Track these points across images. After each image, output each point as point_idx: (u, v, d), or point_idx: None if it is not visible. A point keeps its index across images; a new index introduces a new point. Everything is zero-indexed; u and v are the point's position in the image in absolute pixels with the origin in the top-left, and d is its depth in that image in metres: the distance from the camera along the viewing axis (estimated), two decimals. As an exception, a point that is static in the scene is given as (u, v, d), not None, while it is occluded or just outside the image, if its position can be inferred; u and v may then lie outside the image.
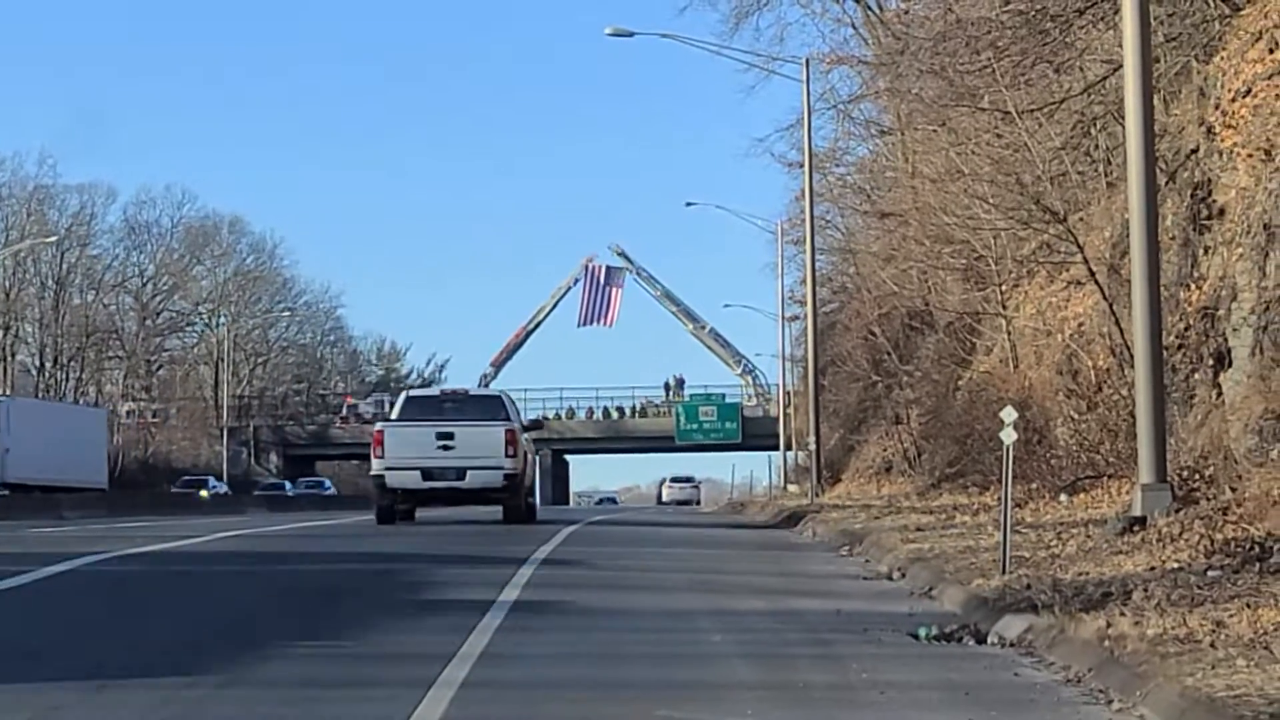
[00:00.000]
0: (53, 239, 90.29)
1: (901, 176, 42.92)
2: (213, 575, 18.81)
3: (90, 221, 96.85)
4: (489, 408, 31.38)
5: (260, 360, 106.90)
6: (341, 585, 17.08)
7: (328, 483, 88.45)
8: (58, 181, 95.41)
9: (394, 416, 31.55)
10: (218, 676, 10.61)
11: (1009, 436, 15.90)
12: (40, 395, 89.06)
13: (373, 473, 30.64)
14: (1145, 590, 12.91)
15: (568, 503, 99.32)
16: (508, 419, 30.73)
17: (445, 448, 29.80)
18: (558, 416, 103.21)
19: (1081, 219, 29.85)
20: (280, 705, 9.71)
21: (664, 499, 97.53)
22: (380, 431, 30.53)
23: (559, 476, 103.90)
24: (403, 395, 33.57)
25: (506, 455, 29.85)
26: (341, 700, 9.94)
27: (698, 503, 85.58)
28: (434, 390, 38.07)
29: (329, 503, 72.60)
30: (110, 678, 10.48)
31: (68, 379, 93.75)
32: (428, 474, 29.72)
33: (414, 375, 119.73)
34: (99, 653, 11.76)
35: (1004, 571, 15.24)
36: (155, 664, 11.14)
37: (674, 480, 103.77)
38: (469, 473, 29.73)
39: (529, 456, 31.85)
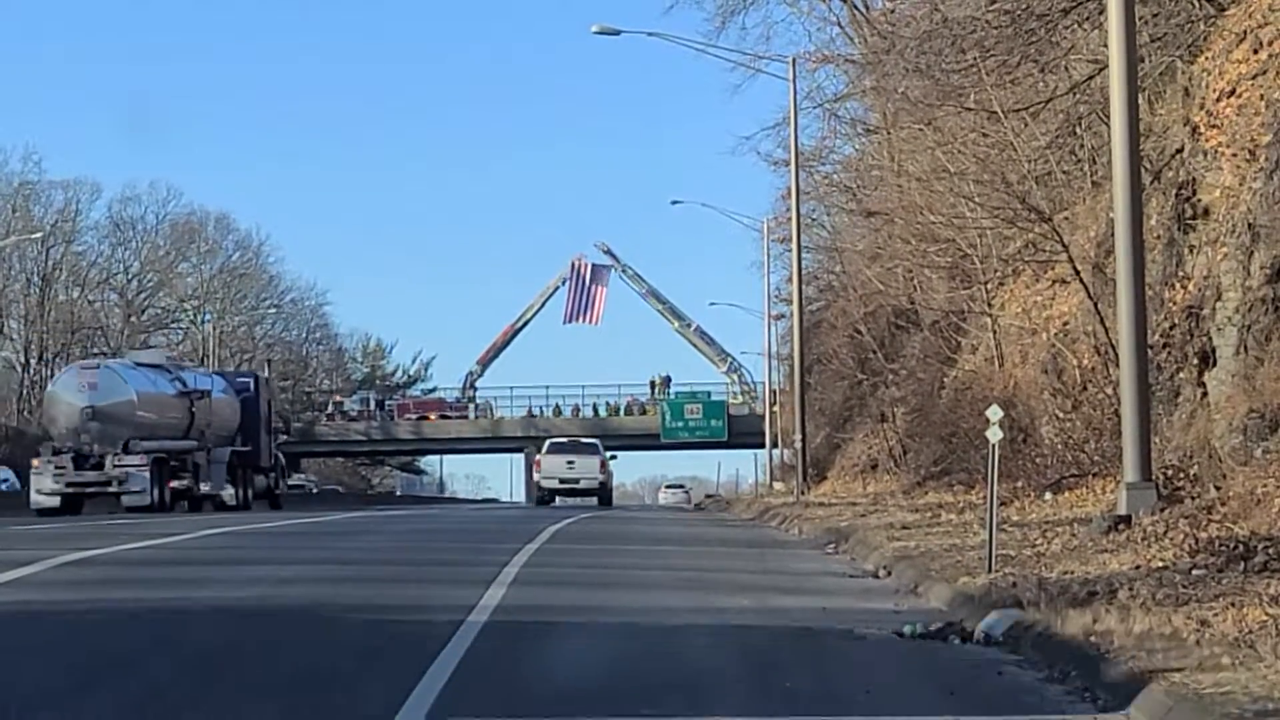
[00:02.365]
0: (38, 235, 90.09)
1: (887, 175, 42.94)
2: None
3: (75, 218, 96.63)
4: (591, 448, 59.27)
5: (246, 357, 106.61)
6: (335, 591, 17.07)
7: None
8: (43, 177, 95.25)
9: (544, 453, 58.77)
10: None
11: (994, 435, 15.93)
12: (25, 391, 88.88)
13: (536, 479, 59.25)
14: (1130, 589, 12.94)
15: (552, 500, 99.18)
16: (600, 454, 58.63)
17: (570, 468, 57.09)
18: (542, 413, 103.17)
19: (1067, 218, 29.90)
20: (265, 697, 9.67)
21: (660, 501, 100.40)
22: (539, 460, 58.85)
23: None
24: (547, 442, 61.50)
25: (600, 472, 57.57)
26: (329, 690, 9.92)
27: (690, 504, 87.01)
28: (565, 440, 63.25)
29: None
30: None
31: (52, 375, 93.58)
32: (562, 481, 57.10)
33: (399, 373, 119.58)
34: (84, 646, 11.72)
35: (989, 569, 15.26)
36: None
37: (669, 486, 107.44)
38: (581, 480, 57.19)
39: (610, 472, 59.43)
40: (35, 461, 43.55)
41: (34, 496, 42.42)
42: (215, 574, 17.74)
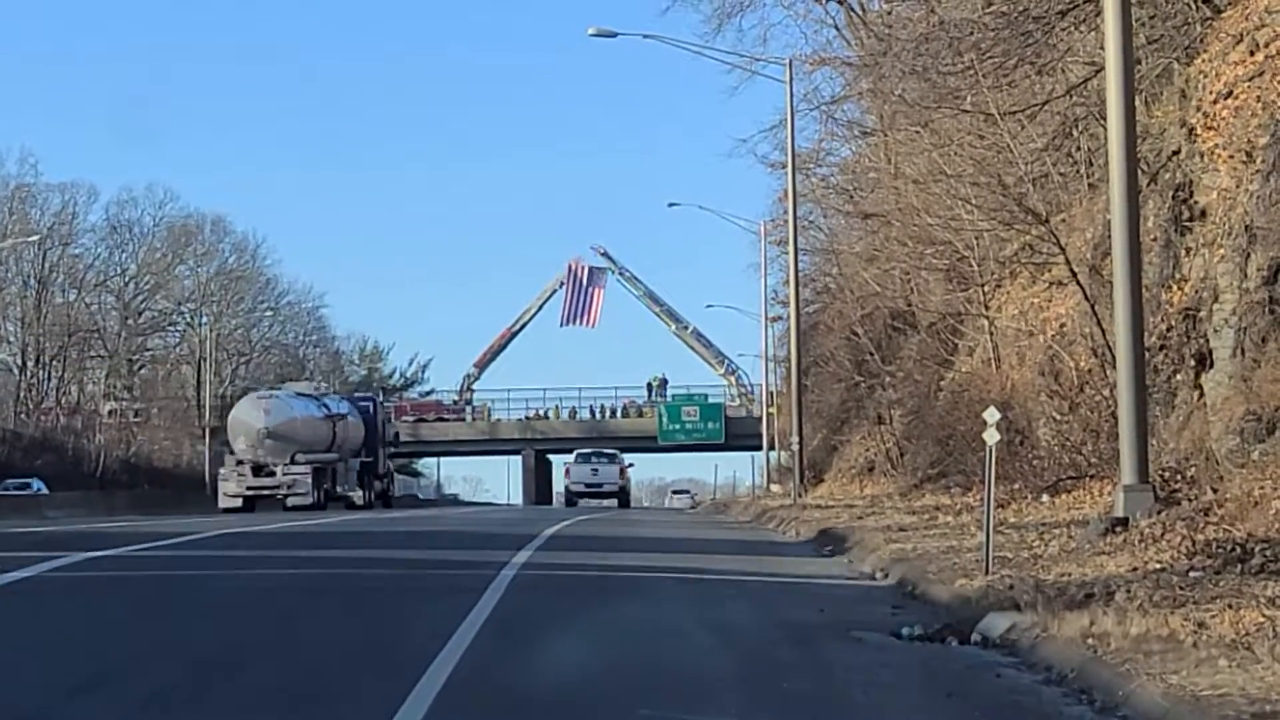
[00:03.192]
0: (34, 238, 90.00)
1: (884, 177, 42.92)
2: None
3: (72, 220, 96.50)
4: (612, 458, 73.07)
5: (243, 360, 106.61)
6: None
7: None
8: (39, 180, 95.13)
9: (572, 462, 72.46)
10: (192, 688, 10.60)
11: (992, 437, 15.93)
12: (22, 394, 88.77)
13: (565, 484, 73.28)
14: (1127, 591, 12.95)
15: (550, 502, 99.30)
16: (620, 462, 72.59)
17: (594, 474, 70.58)
18: (540, 416, 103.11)
19: (1063, 220, 29.90)
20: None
21: (667, 504, 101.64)
22: (567, 467, 72.85)
23: (542, 476, 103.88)
24: (575, 453, 74.77)
25: (620, 478, 71.24)
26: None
27: (693, 506, 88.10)
28: (589, 450, 75.47)
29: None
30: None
31: (49, 378, 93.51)
32: (587, 485, 69.78)
33: (396, 375, 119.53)
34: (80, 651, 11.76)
35: (986, 572, 15.27)
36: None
37: (675, 491, 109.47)
38: (604, 485, 69.75)
39: (628, 478, 73.51)
40: (222, 470, 54.88)
41: (221, 498, 52.97)
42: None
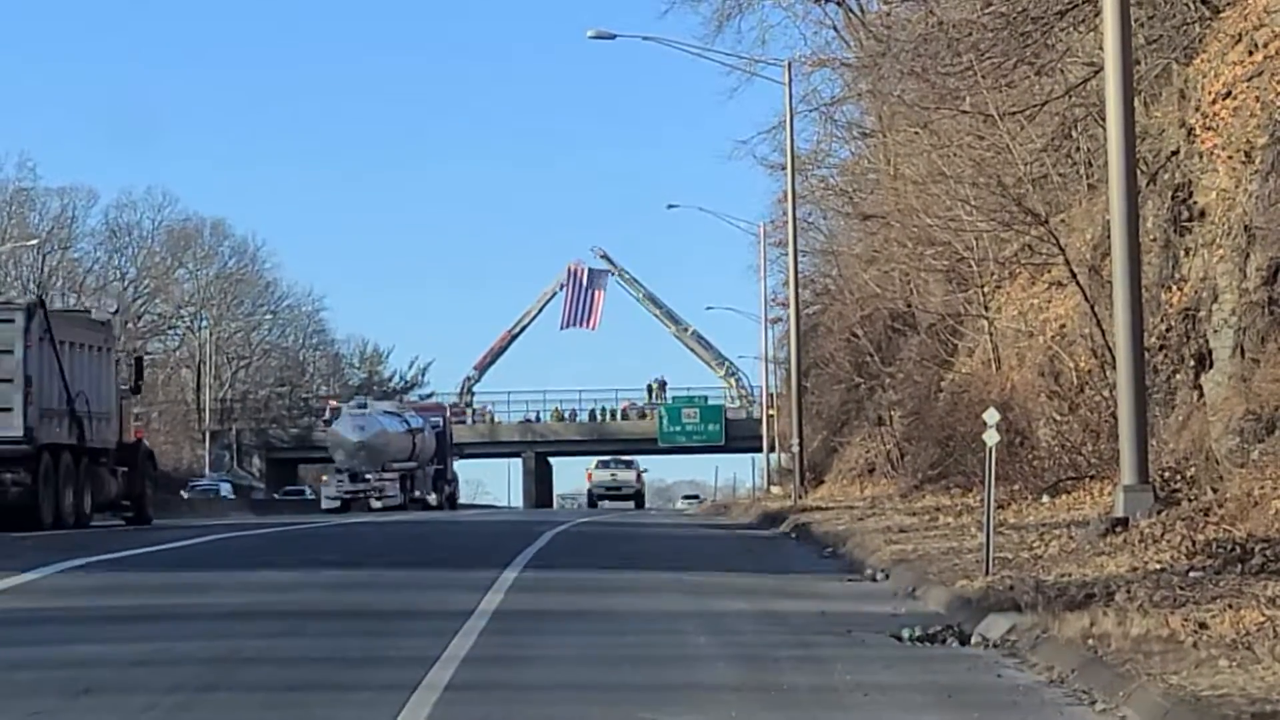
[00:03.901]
0: (33, 242, 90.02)
1: (883, 178, 42.90)
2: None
3: (71, 224, 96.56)
4: (629, 464, 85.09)
5: (243, 363, 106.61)
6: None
7: None
8: (38, 184, 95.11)
9: (593, 468, 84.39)
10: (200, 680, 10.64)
11: (991, 438, 15.93)
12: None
13: (588, 486, 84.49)
14: (1128, 591, 12.95)
15: (550, 505, 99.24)
16: (636, 468, 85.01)
17: (614, 478, 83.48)
18: (540, 418, 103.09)
19: (1063, 221, 29.88)
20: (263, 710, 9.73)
21: (677, 508, 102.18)
22: (589, 472, 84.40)
23: (542, 478, 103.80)
24: (596, 460, 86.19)
25: (636, 482, 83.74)
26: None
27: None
28: (609, 457, 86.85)
29: None
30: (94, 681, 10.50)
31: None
32: (607, 488, 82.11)
33: (396, 378, 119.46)
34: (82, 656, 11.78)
35: (987, 572, 15.27)
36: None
37: (685, 496, 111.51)
38: (622, 488, 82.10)
39: (644, 481, 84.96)
40: (324, 478, 65.76)
41: (324, 501, 62.71)
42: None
